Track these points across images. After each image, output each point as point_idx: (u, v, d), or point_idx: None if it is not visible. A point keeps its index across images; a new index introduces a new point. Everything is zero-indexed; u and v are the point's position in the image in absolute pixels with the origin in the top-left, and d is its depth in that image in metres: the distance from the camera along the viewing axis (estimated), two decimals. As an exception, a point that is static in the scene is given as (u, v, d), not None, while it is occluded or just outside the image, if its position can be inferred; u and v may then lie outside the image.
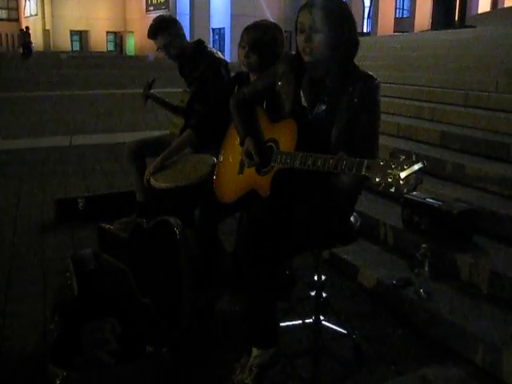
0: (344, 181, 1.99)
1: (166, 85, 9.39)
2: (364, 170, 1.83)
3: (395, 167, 1.75)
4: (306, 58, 2.21)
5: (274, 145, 2.34)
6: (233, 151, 2.63)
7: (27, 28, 34.20)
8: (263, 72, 2.60)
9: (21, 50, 33.59)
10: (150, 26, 3.66)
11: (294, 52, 2.35)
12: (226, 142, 2.73)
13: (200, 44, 3.70)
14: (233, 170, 2.57)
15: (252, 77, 2.99)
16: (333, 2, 2.18)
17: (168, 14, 3.79)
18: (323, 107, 2.26)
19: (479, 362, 2.51)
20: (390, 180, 1.75)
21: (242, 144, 2.46)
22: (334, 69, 2.22)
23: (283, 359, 2.40)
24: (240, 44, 2.93)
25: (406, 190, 1.73)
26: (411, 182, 1.72)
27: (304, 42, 2.17)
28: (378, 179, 1.78)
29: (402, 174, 1.72)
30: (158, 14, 4.04)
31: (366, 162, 1.83)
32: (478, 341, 2.53)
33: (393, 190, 1.75)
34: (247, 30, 2.92)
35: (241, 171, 2.52)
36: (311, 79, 2.29)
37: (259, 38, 2.86)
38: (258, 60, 2.87)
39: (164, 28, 3.60)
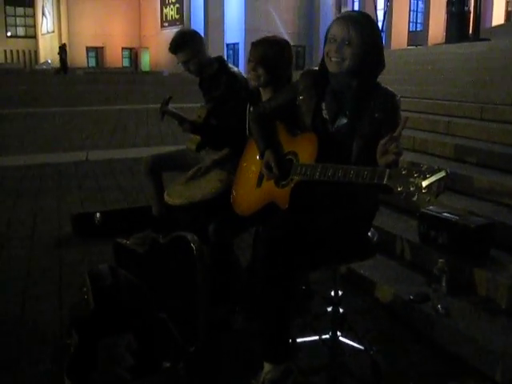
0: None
1: (181, 100, 9.45)
2: (386, 179, 1.82)
3: (417, 176, 1.74)
4: (334, 69, 2.22)
5: (293, 158, 2.35)
6: (251, 165, 2.64)
7: (64, 45, 34.73)
8: (275, 87, 2.62)
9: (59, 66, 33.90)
10: (172, 41, 3.64)
11: (316, 67, 2.37)
12: (245, 156, 2.74)
13: (222, 62, 3.70)
14: (251, 184, 2.58)
15: (262, 92, 3.01)
16: (369, 21, 2.23)
17: (189, 28, 3.75)
18: (345, 120, 2.27)
19: (499, 379, 2.47)
20: (412, 189, 1.74)
21: (261, 157, 2.47)
22: (356, 84, 2.23)
23: (295, 373, 2.38)
24: (249, 59, 2.96)
25: (428, 199, 1.73)
26: (433, 190, 1.71)
27: (334, 52, 2.19)
28: (400, 188, 1.77)
29: (424, 183, 1.72)
30: (172, 30, 4.08)
31: (388, 171, 1.83)
32: (498, 357, 2.49)
33: (415, 198, 1.75)
34: (255, 45, 2.94)
35: (259, 184, 2.53)
36: (333, 92, 2.30)
37: (266, 52, 2.88)
38: (265, 74, 2.89)
39: (185, 43, 3.57)
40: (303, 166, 2.23)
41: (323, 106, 2.33)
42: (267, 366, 2.26)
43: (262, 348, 2.32)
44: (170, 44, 3.62)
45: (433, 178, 1.71)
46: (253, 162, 2.62)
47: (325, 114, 2.32)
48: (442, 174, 1.71)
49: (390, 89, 2.29)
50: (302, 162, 2.29)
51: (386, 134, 2.13)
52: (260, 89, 3.02)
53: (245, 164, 2.72)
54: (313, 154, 2.23)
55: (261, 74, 2.89)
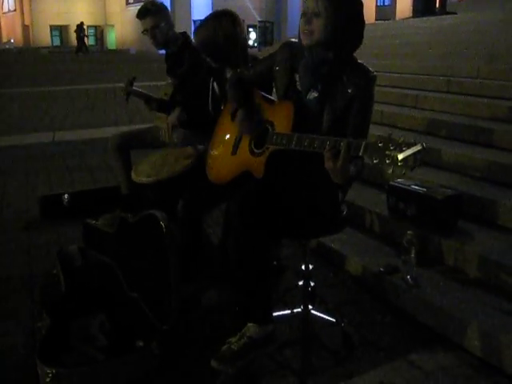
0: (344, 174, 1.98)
1: (148, 79, 9.32)
2: (362, 151, 1.82)
3: (393, 149, 1.74)
4: (305, 41, 2.21)
5: (269, 126, 2.34)
6: (226, 132, 2.62)
7: (82, 23, 34.48)
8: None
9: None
10: (142, 6, 3.63)
11: (294, 39, 2.36)
12: (218, 125, 2.72)
13: (186, 38, 3.67)
14: (226, 151, 2.56)
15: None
16: None
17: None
18: (315, 94, 2.27)
19: (468, 347, 2.53)
20: (387, 161, 1.74)
21: (233, 117, 2.47)
22: (331, 57, 2.22)
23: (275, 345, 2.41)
24: None
25: (403, 172, 1.73)
26: (409, 163, 1.71)
27: (303, 24, 2.18)
28: (375, 160, 1.77)
29: (400, 156, 1.71)
30: (137, 7, 4.01)
31: (364, 142, 1.83)
32: (467, 325, 2.55)
33: (390, 171, 1.75)
34: (196, 29, 2.96)
35: (234, 152, 2.51)
36: (307, 65, 2.29)
37: (209, 37, 2.88)
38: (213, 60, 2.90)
39: (155, 11, 3.56)
40: (279, 135, 2.22)
41: (297, 77, 2.33)
42: (250, 324, 2.27)
43: (245, 310, 2.33)
44: (140, 9, 3.62)
45: (409, 152, 1.71)
46: (227, 129, 2.61)
47: (298, 86, 2.33)
48: (418, 148, 1.71)
49: (366, 64, 2.28)
50: (278, 131, 2.28)
51: (356, 109, 2.14)
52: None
53: (219, 131, 2.69)
54: (289, 123, 2.23)
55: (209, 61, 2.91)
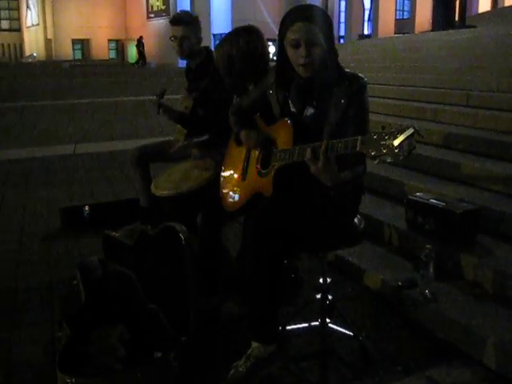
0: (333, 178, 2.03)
1: (168, 92, 9.40)
2: (359, 145, 1.85)
3: (388, 138, 1.77)
4: (306, 74, 2.24)
5: (272, 146, 2.38)
6: (233, 161, 2.68)
7: (141, 37, 35.48)
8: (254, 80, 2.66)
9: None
10: (178, 13, 3.70)
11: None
12: (226, 157, 2.77)
13: (209, 52, 3.72)
14: (237, 179, 2.62)
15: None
16: (321, 12, 2.24)
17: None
18: (312, 111, 2.31)
19: (486, 362, 2.51)
20: (384, 151, 1.77)
21: (238, 143, 2.54)
22: (323, 74, 2.25)
23: (283, 359, 2.42)
24: None
25: (401, 158, 1.75)
26: (405, 148, 1.74)
27: (304, 57, 2.18)
28: (373, 153, 1.80)
29: (396, 142, 1.75)
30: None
31: (359, 138, 1.86)
32: (485, 341, 2.53)
33: (389, 160, 1.77)
34: (215, 47, 3.03)
35: (244, 178, 2.56)
36: (299, 86, 2.33)
37: (227, 55, 2.94)
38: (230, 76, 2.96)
39: (189, 21, 3.61)
40: (282, 151, 2.27)
41: (289, 101, 2.38)
42: (254, 345, 2.31)
43: (251, 329, 2.36)
44: (175, 15, 3.67)
45: (402, 137, 1.74)
46: (235, 157, 2.66)
47: (291, 107, 2.37)
48: (410, 131, 1.74)
49: (355, 72, 2.31)
50: (280, 148, 2.32)
51: (352, 116, 2.16)
52: None
53: (228, 162, 2.76)
54: (289, 138, 2.26)
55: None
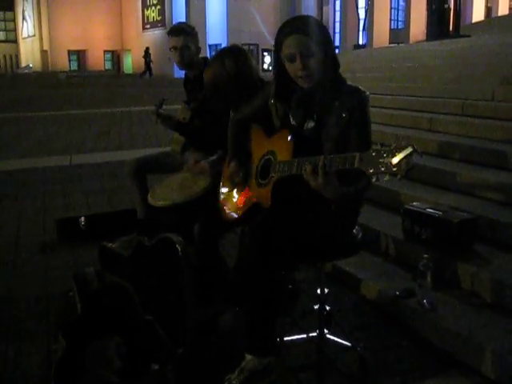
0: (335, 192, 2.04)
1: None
2: (357, 163, 1.84)
3: (386, 156, 1.76)
4: (306, 85, 2.25)
5: (271, 156, 2.38)
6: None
7: (148, 48, 35.53)
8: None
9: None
10: (177, 24, 3.75)
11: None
12: (225, 164, 2.77)
13: (206, 62, 3.73)
14: (235, 189, 2.61)
15: None
16: (315, 22, 2.24)
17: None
18: (312, 124, 2.30)
19: (485, 371, 2.50)
20: (382, 169, 1.76)
21: (228, 165, 2.59)
22: (324, 86, 2.26)
23: (279, 371, 2.40)
24: None
25: (399, 177, 1.75)
26: (403, 167, 1.73)
27: (301, 70, 2.19)
28: (371, 170, 1.79)
29: (394, 161, 1.74)
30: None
31: (358, 154, 1.85)
32: (483, 350, 2.52)
33: (386, 178, 1.77)
34: (204, 70, 3.05)
35: (242, 188, 2.56)
36: (300, 99, 2.33)
37: (215, 78, 2.95)
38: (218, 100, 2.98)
39: (189, 32, 3.65)
40: (281, 163, 2.26)
41: (290, 113, 2.38)
42: (248, 357, 2.28)
43: (247, 340, 2.34)
44: (174, 26, 3.72)
45: (401, 155, 1.73)
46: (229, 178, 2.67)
47: (292, 120, 2.37)
48: (409, 150, 1.74)
49: (357, 85, 2.30)
50: (279, 159, 2.31)
51: (354, 132, 2.16)
52: None
53: (227, 172, 2.74)
54: (289, 150, 2.26)
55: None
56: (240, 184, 2.56)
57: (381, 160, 1.77)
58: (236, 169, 2.57)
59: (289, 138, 2.28)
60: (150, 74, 34.01)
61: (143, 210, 3.88)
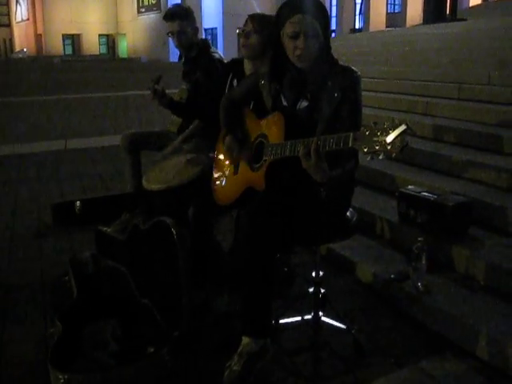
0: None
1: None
2: (351, 142, 1.85)
3: (380, 134, 1.76)
4: (304, 64, 2.25)
5: (264, 140, 2.39)
6: (226, 155, 2.68)
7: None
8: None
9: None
10: (171, 9, 3.69)
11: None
12: (217, 150, 2.78)
13: (205, 45, 3.71)
14: (228, 173, 2.62)
15: (247, 64, 3.03)
16: (322, 7, 2.25)
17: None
18: (305, 104, 2.31)
19: (479, 354, 2.52)
20: (377, 147, 1.76)
21: (223, 141, 2.58)
22: (318, 67, 2.26)
23: (275, 352, 2.42)
24: (243, 31, 2.99)
25: (394, 155, 1.75)
26: (397, 144, 1.73)
27: (302, 49, 2.19)
28: (365, 149, 1.79)
29: (388, 139, 1.74)
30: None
31: (351, 134, 1.85)
32: (477, 333, 2.54)
33: (381, 157, 1.77)
34: (252, 16, 3.01)
35: (236, 172, 2.56)
36: (293, 78, 2.32)
37: (267, 22, 2.91)
38: (258, 42, 2.91)
39: (183, 15, 3.61)
40: (273, 146, 2.26)
41: (281, 93, 2.37)
42: (245, 340, 2.29)
43: (243, 322, 2.35)
44: (168, 11, 3.66)
45: (395, 133, 1.73)
46: (227, 152, 2.66)
47: (283, 100, 2.36)
48: (403, 128, 1.73)
49: (348, 65, 2.31)
50: (272, 141, 2.31)
51: (346, 111, 2.16)
52: (246, 60, 3.08)
53: (220, 157, 2.76)
54: (281, 133, 2.26)
55: (254, 40, 2.94)
56: (236, 159, 2.54)
57: (375, 139, 1.77)
58: (232, 144, 2.55)
59: (281, 119, 2.29)
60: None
61: (134, 184, 3.94)
